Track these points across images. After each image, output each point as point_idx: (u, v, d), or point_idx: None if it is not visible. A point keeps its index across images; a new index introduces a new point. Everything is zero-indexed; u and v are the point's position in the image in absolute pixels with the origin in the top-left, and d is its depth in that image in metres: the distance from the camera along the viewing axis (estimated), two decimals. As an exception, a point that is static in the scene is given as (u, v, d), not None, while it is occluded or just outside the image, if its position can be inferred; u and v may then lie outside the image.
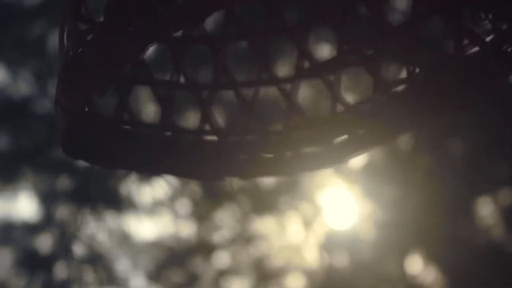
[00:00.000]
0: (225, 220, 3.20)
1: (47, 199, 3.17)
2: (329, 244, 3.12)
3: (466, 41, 0.70)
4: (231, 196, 3.14)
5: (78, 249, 3.21)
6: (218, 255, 3.22)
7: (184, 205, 3.23)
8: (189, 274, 3.25)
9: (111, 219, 3.23)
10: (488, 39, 0.69)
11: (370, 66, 0.70)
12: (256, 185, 3.10)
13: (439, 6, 0.69)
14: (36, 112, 3.08)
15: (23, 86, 3.08)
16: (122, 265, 3.28)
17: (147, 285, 3.28)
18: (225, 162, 0.74)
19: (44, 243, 3.21)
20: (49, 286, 3.20)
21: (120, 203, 3.20)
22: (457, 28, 0.69)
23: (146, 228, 3.32)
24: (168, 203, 3.23)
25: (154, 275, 3.27)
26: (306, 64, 0.73)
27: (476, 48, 0.69)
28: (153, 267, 3.27)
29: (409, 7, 0.71)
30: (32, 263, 3.19)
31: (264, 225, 3.18)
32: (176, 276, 3.27)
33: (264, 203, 3.14)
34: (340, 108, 0.72)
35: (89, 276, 3.23)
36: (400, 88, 0.71)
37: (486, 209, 3.03)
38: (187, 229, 3.24)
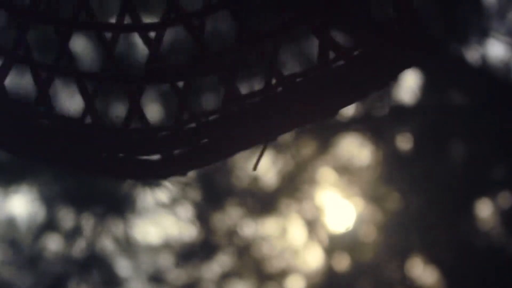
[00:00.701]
0: (226, 222, 3.21)
1: (49, 201, 3.18)
2: (329, 246, 3.12)
3: (331, 54, 0.72)
4: (232, 198, 3.15)
5: (80, 252, 3.22)
6: (220, 257, 3.22)
7: (185, 208, 3.24)
8: (191, 276, 3.25)
9: (114, 222, 3.24)
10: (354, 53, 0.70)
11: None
12: (257, 186, 3.11)
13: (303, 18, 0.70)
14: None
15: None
16: (124, 267, 3.29)
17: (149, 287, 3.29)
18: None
19: (47, 245, 3.22)
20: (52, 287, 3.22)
21: (122, 206, 3.22)
22: (321, 40, 0.70)
23: (147, 231, 3.32)
24: (169, 206, 3.24)
25: (156, 278, 3.27)
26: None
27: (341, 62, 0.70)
28: (154, 269, 3.28)
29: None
30: (35, 265, 3.20)
31: (265, 227, 3.19)
32: (177, 278, 3.28)
33: (265, 205, 3.15)
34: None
35: (91, 278, 3.24)
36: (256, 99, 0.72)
37: (486, 211, 3.03)
38: (188, 232, 3.25)
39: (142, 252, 3.30)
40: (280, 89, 0.73)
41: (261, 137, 0.73)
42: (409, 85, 2.88)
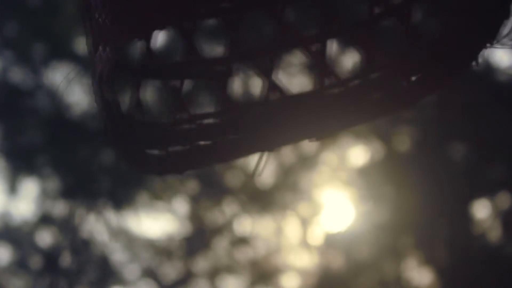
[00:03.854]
0: (223, 219, 3.21)
1: (47, 196, 3.18)
2: (325, 245, 3.13)
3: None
4: (229, 195, 3.15)
5: (78, 246, 3.22)
6: (215, 254, 3.23)
7: (182, 204, 3.24)
8: (186, 272, 3.26)
9: (111, 216, 3.24)
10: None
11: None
12: (254, 184, 3.11)
13: None
14: (37, 107, 3.08)
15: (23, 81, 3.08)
16: (121, 261, 3.29)
17: (145, 281, 3.29)
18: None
19: (44, 240, 3.22)
20: (51, 283, 3.21)
21: (120, 201, 3.22)
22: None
23: (145, 225, 3.32)
24: (166, 201, 3.24)
25: (152, 272, 3.28)
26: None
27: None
28: (151, 264, 3.28)
29: None
30: (33, 260, 3.20)
31: (261, 225, 3.19)
32: (173, 274, 3.28)
33: (262, 203, 3.15)
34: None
35: (89, 272, 3.24)
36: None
37: (482, 212, 3.04)
38: (184, 228, 3.25)
39: (137, 245, 3.30)
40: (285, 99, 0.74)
41: (265, 145, 0.74)
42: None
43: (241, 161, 3.05)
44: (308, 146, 3.06)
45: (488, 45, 0.69)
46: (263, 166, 0.73)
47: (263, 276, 3.18)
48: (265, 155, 0.72)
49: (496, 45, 0.68)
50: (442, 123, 2.94)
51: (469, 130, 2.94)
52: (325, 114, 0.73)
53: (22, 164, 3.12)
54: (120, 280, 3.29)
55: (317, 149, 3.05)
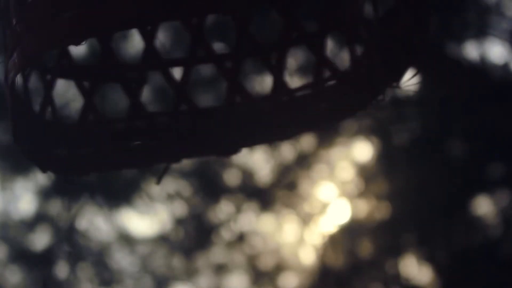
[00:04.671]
0: (221, 217, 3.20)
1: (43, 193, 3.18)
2: (325, 243, 3.12)
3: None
4: (228, 193, 3.15)
5: (75, 245, 3.22)
6: (214, 252, 3.22)
7: (179, 202, 3.24)
8: (185, 270, 3.25)
9: (108, 214, 3.23)
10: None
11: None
12: (252, 181, 3.11)
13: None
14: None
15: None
16: (119, 260, 3.28)
17: (144, 280, 3.29)
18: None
19: (41, 239, 3.22)
20: (46, 282, 3.21)
21: (117, 198, 3.21)
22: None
23: (142, 224, 3.32)
24: (164, 200, 3.23)
25: (150, 271, 3.27)
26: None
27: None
28: (149, 263, 3.28)
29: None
30: (29, 259, 3.20)
31: (260, 222, 3.19)
32: (172, 272, 3.28)
33: (261, 200, 3.14)
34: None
35: (86, 272, 3.24)
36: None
37: (482, 209, 3.03)
38: (183, 226, 3.24)
39: (136, 244, 3.29)
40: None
41: (171, 155, 0.75)
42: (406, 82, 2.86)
43: (238, 160, 3.05)
44: (307, 144, 3.05)
45: (393, 85, 0.71)
46: (164, 175, 0.74)
47: (262, 274, 3.18)
48: (169, 165, 0.73)
49: (399, 87, 0.71)
50: (441, 119, 2.93)
51: (468, 126, 2.92)
52: (235, 130, 0.73)
53: (17, 160, 3.12)
54: (117, 278, 3.28)
55: (316, 146, 3.04)
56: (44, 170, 0.72)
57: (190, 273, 3.24)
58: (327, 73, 0.75)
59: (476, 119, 2.79)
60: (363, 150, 3.06)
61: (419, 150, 2.94)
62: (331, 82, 0.75)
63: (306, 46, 0.76)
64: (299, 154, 3.05)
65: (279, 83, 0.75)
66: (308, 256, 3.14)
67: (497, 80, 2.81)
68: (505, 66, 2.79)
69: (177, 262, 3.27)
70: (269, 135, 0.75)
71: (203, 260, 3.23)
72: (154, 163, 0.74)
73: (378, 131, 2.98)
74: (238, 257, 3.21)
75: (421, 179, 2.94)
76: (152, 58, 0.74)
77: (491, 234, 3.01)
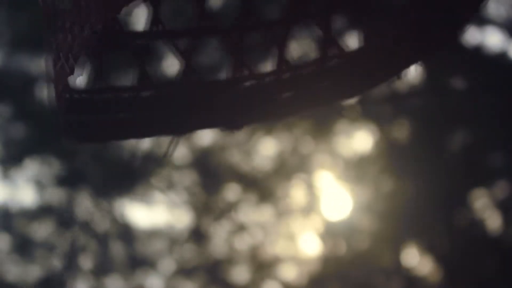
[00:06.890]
0: (222, 208, 3.20)
1: (46, 184, 3.18)
2: (325, 234, 3.12)
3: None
4: (229, 182, 3.15)
5: (77, 236, 3.22)
6: (215, 243, 3.22)
7: (181, 193, 3.24)
8: (186, 262, 3.25)
9: (110, 205, 3.24)
10: None
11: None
12: (253, 172, 3.11)
13: None
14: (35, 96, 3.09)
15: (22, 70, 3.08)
16: (121, 252, 3.28)
17: (146, 273, 3.29)
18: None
19: (43, 229, 3.22)
20: (48, 273, 3.21)
21: (119, 189, 3.21)
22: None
23: (144, 215, 3.32)
24: (166, 191, 3.23)
25: (152, 263, 3.27)
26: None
27: None
28: (150, 254, 3.28)
29: None
30: (31, 250, 3.20)
31: (260, 213, 3.18)
32: (173, 263, 3.28)
33: (261, 191, 3.14)
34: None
35: (88, 262, 3.24)
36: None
37: (482, 201, 3.03)
38: (184, 218, 3.24)
39: (137, 235, 3.29)
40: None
41: (177, 127, 0.75)
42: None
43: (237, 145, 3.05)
44: (306, 144, 3.06)
45: (397, 76, 0.71)
46: (173, 148, 0.73)
47: (263, 265, 3.18)
48: (176, 137, 0.73)
49: (400, 78, 0.71)
50: (440, 111, 2.93)
51: (468, 118, 2.92)
52: (239, 105, 0.73)
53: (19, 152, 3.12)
54: (120, 269, 3.28)
55: (316, 137, 3.04)
56: (72, 137, 0.71)
57: (191, 264, 3.24)
58: (333, 51, 0.75)
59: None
60: (363, 139, 3.06)
61: (420, 140, 2.94)
62: (337, 60, 0.74)
63: (312, 22, 0.75)
64: (298, 142, 3.06)
65: (281, 59, 0.75)
66: (308, 247, 3.14)
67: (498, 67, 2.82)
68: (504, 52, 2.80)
69: (179, 253, 3.28)
70: (273, 112, 0.75)
71: (203, 252, 3.23)
72: (163, 134, 0.74)
73: (379, 120, 2.98)
74: (239, 248, 3.21)
75: (422, 169, 2.94)
76: (161, 28, 0.73)
77: (491, 224, 3.02)
